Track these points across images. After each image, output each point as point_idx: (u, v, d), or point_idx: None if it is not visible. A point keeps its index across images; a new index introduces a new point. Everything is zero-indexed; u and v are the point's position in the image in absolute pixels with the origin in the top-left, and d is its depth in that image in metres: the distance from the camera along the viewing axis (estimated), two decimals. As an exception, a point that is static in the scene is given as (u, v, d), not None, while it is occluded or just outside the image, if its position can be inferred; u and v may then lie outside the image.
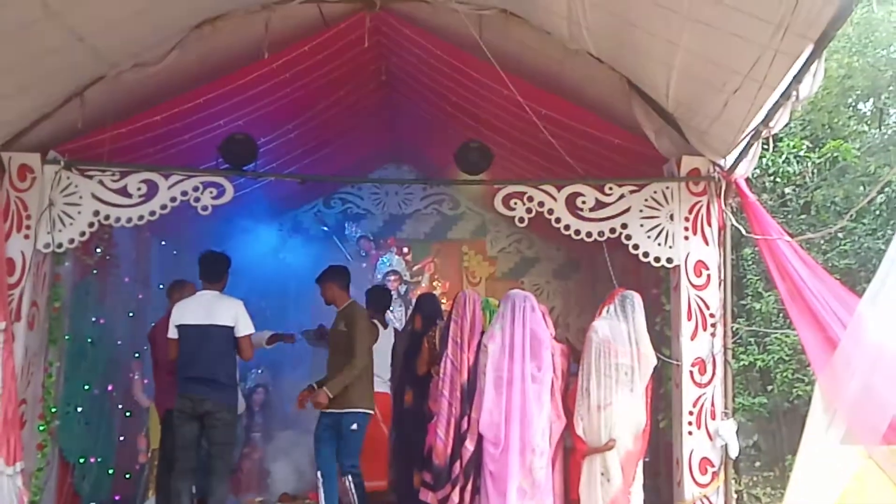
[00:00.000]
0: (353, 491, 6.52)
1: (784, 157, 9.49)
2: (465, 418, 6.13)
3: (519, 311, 6.15)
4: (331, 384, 6.39)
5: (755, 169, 6.76)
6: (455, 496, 6.06)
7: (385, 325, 7.49)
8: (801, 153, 9.55)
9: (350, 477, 6.51)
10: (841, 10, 4.00)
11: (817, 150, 9.81)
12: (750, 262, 9.83)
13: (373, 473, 7.24)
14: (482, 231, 10.70)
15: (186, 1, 5.73)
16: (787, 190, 10.01)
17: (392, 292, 9.04)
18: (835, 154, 9.67)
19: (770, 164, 9.44)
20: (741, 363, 9.08)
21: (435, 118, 8.32)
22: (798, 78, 4.59)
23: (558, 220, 6.22)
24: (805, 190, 10.12)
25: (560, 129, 6.31)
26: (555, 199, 6.23)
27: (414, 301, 7.62)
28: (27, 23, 4.92)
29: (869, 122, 11.09)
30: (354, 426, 6.48)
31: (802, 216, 10.11)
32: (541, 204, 6.24)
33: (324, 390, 6.37)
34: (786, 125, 8.16)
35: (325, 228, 10.67)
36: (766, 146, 6.30)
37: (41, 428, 6.25)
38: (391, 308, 8.56)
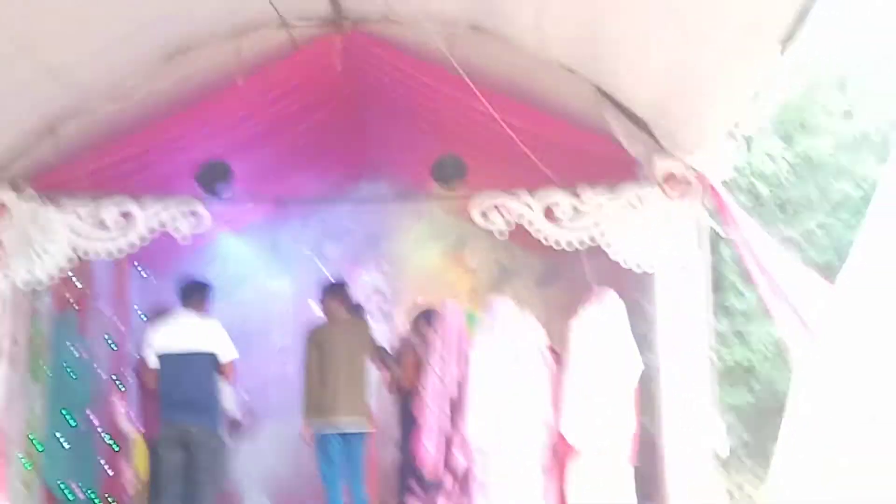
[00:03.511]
0: None
1: (757, 156, 9.56)
2: (456, 430, 6.14)
3: (501, 318, 6.18)
4: None
5: (729, 169, 6.82)
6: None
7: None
8: (775, 152, 9.62)
9: None
10: (805, 9, 4.06)
11: (791, 148, 9.89)
12: (729, 262, 9.88)
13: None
14: (461, 244, 10.70)
15: (158, 32, 5.72)
16: (762, 189, 10.07)
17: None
18: (808, 151, 9.76)
19: (744, 163, 9.51)
20: (725, 362, 9.11)
21: (409, 134, 8.34)
22: (768, 77, 4.65)
23: (538, 231, 6.25)
24: (780, 189, 10.19)
25: (534, 139, 6.34)
26: (532, 209, 6.26)
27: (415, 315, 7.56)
28: (-3, 58, 4.91)
29: (840, 118, 11.19)
30: None
31: (779, 214, 10.17)
32: (520, 216, 6.26)
33: None
34: (758, 125, 8.23)
35: (306, 251, 10.65)
36: (739, 146, 6.36)
37: (25, 463, 6.20)
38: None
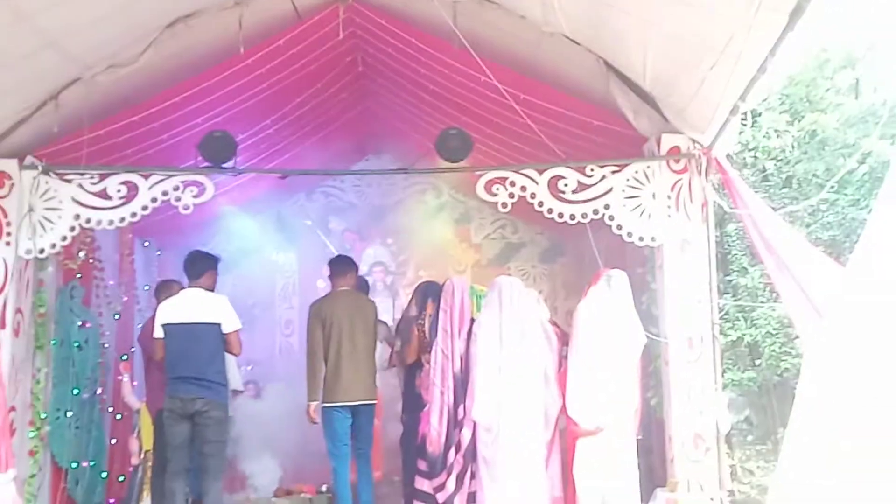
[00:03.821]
0: None
1: (764, 132, 9.52)
2: (461, 406, 6.15)
3: (507, 297, 6.17)
4: None
5: (735, 145, 6.78)
6: (451, 483, 6.09)
7: None
8: (781, 128, 9.57)
9: None
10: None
11: (796, 123, 9.84)
12: (734, 238, 9.86)
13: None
14: (466, 218, 10.68)
15: (159, 1, 5.68)
16: (768, 165, 10.03)
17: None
18: (814, 127, 9.71)
19: (750, 139, 9.46)
20: (729, 339, 9.11)
21: (414, 107, 8.30)
22: (773, 52, 4.60)
23: (541, 204, 6.22)
24: (786, 164, 10.15)
25: (539, 112, 6.31)
26: (537, 182, 6.23)
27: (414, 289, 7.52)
28: (-2, 28, 4.87)
29: (846, 94, 11.12)
30: None
31: (784, 190, 10.14)
32: (523, 188, 6.24)
33: None
34: (764, 100, 8.17)
35: (309, 223, 10.64)
36: (745, 121, 6.32)
37: (32, 434, 6.24)
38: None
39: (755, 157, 9.78)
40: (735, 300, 9.08)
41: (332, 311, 6.77)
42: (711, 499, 5.84)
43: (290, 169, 8.45)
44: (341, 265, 7.16)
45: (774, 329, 9.31)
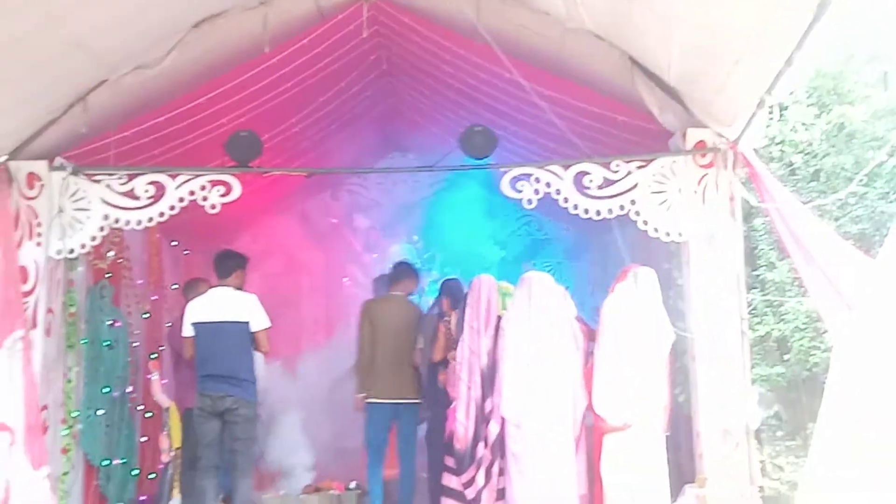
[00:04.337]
0: None
1: (791, 125, 9.42)
2: (488, 401, 6.17)
3: (537, 292, 6.18)
4: None
5: (762, 138, 6.72)
6: (480, 478, 6.11)
7: None
8: (809, 121, 9.47)
9: None
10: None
11: (824, 116, 9.73)
12: (761, 233, 9.76)
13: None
14: (491, 215, 10.68)
15: (184, 1, 5.73)
16: (795, 158, 9.92)
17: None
18: (842, 120, 9.60)
19: (777, 133, 9.37)
20: (757, 334, 9.02)
21: (438, 104, 8.31)
22: (800, 45, 4.56)
23: (566, 200, 6.20)
24: (814, 157, 10.04)
25: (563, 108, 6.29)
26: (561, 178, 6.21)
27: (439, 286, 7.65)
28: (28, 31, 4.92)
29: (874, 87, 10.99)
30: None
31: (812, 183, 10.02)
32: (548, 185, 6.22)
33: None
34: (791, 93, 8.08)
35: (334, 221, 10.69)
36: (771, 115, 6.27)
37: (64, 432, 6.31)
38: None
39: (782, 150, 9.67)
40: (763, 295, 9.00)
41: (380, 312, 7.25)
42: (741, 495, 5.80)
43: (315, 168, 8.50)
44: (397, 272, 7.64)
45: (803, 324, 9.21)
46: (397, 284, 7.53)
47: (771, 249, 9.57)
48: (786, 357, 9.66)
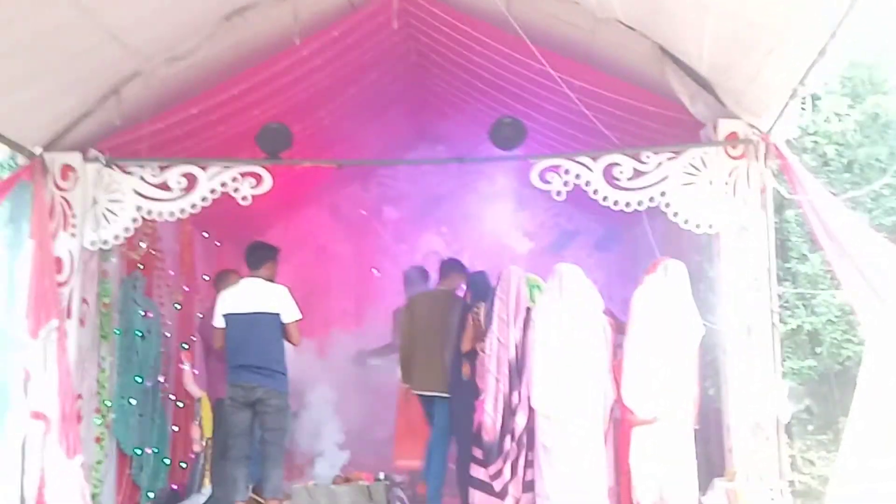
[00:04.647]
0: None
1: (824, 115, 9.31)
2: (516, 393, 6.17)
3: (567, 284, 6.17)
4: None
5: (795, 129, 6.65)
6: (507, 470, 6.11)
7: None
8: (842, 111, 9.36)
9: None
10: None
11: (858, 106, 9.61)
12: (793, 225, 9.68)
13: (410, 452, 7.45)
14: (520, 207, 10.65)
15: (215, -7, 5.78)
16: (828, 149, 9.81)
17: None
18: (876, 110, 9.47)
19: (810, 123, 9.26)
20: (788, 327, 8.96)
21: (467, 96, 8.31)
22: (834, 35, 4.50)
23: (596, 192, 6.17)
24: (847, 149, 9.92)
25: (593, 99, 6.26)
26: (591, 170, 6.18)
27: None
28: (62, 24, 4.99)
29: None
30: None
31: (845, 175, 9.91)
32: (577, 176, 6.19)
33: None
34: (825, 83, 7.98)
35: (364, 213, 10.71)
36: (804, 106, 6.20)
37: (98, 422, 6.40)
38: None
39: (815, 141, 9.57)
40: (794, 288, 8.92)
41: (421, 306, 7.43)
42: (771, 489, 5.77)
43: (345, 159, 8.53)
44: (445, 267, 7.80)
45: (836, 317, 9.13)
46: (445, 279, 7.69)
47: (803, 242, 9.49)
48: (817, 350, 9.59)
